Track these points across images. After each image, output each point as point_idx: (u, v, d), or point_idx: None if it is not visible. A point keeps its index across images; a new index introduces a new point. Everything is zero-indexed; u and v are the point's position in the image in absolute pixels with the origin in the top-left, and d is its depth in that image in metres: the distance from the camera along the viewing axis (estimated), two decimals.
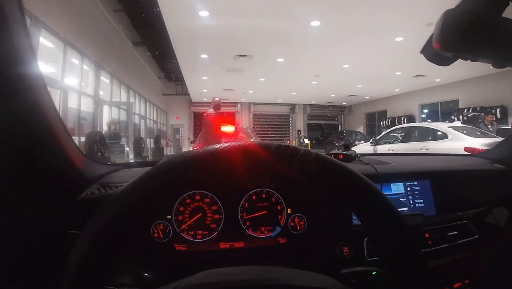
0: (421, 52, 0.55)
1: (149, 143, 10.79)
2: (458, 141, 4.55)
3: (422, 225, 0.75)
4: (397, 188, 0.86)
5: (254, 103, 16.60)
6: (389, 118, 13.67)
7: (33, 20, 4.25)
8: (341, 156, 0.96)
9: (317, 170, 0.32)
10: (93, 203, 0.69)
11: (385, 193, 0.50)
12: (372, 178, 0.68)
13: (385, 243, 0.33)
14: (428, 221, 0.78)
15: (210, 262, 0.71)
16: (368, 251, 0.73)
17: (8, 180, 0.56)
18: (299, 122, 17.33)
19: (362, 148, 6.77)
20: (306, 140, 14.89)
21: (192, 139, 11.02)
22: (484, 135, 4.86)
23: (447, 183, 0.91)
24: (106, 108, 8.08)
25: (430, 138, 5.28)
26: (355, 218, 0.79)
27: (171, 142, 14.56)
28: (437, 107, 11.92)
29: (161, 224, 0.71)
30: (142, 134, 10.77)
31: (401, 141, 5.96)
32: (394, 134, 6.32)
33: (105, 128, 7.52)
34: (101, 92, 7.64)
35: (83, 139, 5.41)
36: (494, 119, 6.20)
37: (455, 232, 0.84)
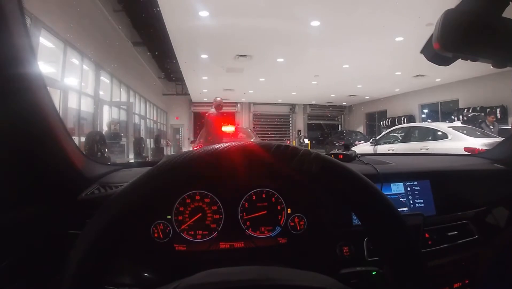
0: (421, 52, 0.55)
1: (149, 143, 10.79)
2: (458, 141, 4.55)
3: (422, 225, 0.75)
4: (397, 188, 0.86)
5: (254, 103, 16.61)
6: (389, 118, 13.67)
7: (33, 20, 4.24)
8: (341, 156, 0.96)
9: (317, 170, 0.32)
10: (93, 203, 0.69)
11: (385, 193, 0.51)
12: (372, 178, 0.68)
13: (385, 243, 0.33)
14: (428, 221, 0.78)
15: (210, 262, 0.71)
16: (368, 251, 0.73)
17: (8, 180, 0.56)
18: (299, 122, 17.33)
19: (362, 148, 6.76)
20: (306, 140, 14.89)
21: (192, 140, 11.03)
22: (484, 135, 4.86)
23: (447, 183, 0.91)
24: (106, 108, 8.08)
25: (430, 138, 5.27)
26: (355, 218, 0.79)
27: (171, 143, 14.56)
28: (437, 107, 11.92)
29: (161, 224, 0.71)
30: (142, 134, 10.77)
31: (401, 142, 5.96)
32: (394, 134, 6.32)
33: (105, 128, 7.52)
34: (101, 92, 7.64)
35: (83, 139, 5.41)
36: (496, 119, 6.19)
37: (455, 232, 0.84)
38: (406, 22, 5.21)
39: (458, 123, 6.03)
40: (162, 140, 12.16)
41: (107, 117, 8.09)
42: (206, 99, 14.63)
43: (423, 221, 0.75)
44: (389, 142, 6.09)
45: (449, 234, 0.83)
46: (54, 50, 5.34)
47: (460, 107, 10.11)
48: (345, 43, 6.45)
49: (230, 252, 0.73)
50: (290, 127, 17.43)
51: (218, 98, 5.01)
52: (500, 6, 0.47)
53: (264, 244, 0.75)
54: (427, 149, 4.77)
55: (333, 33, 5.94)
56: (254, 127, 15.03)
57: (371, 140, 6.64)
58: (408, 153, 1.83)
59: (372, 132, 14.60)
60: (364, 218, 0.34)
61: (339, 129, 17.75)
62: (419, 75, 9.40)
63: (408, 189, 0.86)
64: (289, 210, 0.76)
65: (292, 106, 16.94)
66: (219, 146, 0.33)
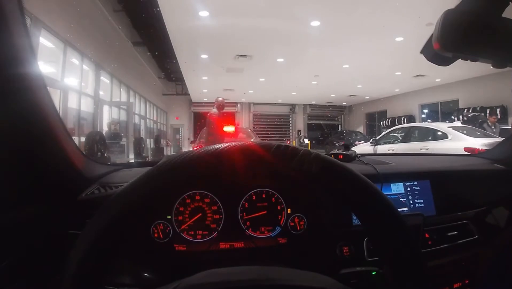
0: (421, 52, 0.55)
1: (149, 143, 10.79)
2: (458, 142, 4.55)
3: (422, 225, 0.75)
4: (397, 188, 0.85)
5: (254, 104, 16.61)
6: (389, 118, 13.67)
7: (33, 20, 4.25)
8: (341, 156, 0.96)
9: (317, 170, 0.32)
10: (93, 203, 0.69)
11: (385, 193, 0.50)
12: (372, 178, 0.68)
13: (385, 243, 0.33)
14: (428, 221, 0.78)
15: (210, 262, 0.71)
16: (368, 251, 0.73)
17: (8, 180, 0.56)
18: (299, 123, 17.34)
19: (362, 148, 6.77)
20: (306, 141, 14.89)
21: (192, 140, 11.03)
22: (484, 135, 4.86)
23: (447, 183, 0.91)
24: (106, 108, 8.08)
25: (430, 138, 5.28)
26: (355, 218, 0.79)
27: (171, 143, 14.57)
28: (437, 107, 11.92)
29: (161, 224, 0.71)
30: (142, 134, 10.78)
31: (401, 142, 5.96)
32: (394, 134, 6.32)
33: (105, 128, 7.53)
34: (101, 92, 7.64)
35: (83, 139, 5.42)
36: (497, 120, 6.18)
37: (455, 232, 0.84)
38: (406, 22, 5.22)
39: (458, 124, 6.03)
40: (162, 140, 12.17)
41: (107, 117, 8.10)
42: (206, 99, 14.64)
43: (423, 221, 0.75)
44: (389, 143, 6.09)
45: (449, 234, 0.83)
46: (54, 50, 5.34)
47: (460, 107, 10.11)
48: (345, 43, 6.45)
49: (230, 252, 0.73)
50: (290, 128, 17.43)
51: (220, 99, 5.01)
52: (500, 6, 0.47)
53: (264, 244, 0.75)
54: (427, 149, 4.77)
55: (333, 33, 5.94)
56: (254, 128, 15.03)
57: (371, 141, 6.64)
58: (408, 153, 1.83)
59: (372, 132, 14.60)
60: (364, 218, 0.34)
61: (339, 129, 17.75)
62: (419, 75, 9.40)
63: (408, 189, 0.86)
64: (289, 210, 0.76)
65: (292, 106, 16.95)
66: (219, 146, 0.33)
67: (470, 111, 8.94)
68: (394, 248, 0.33)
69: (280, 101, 16.14)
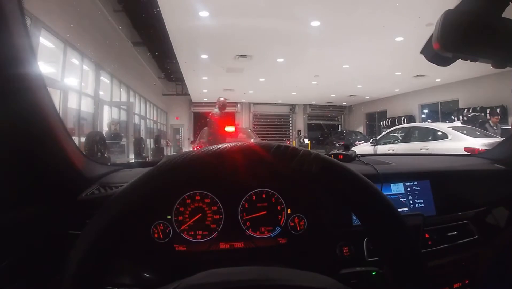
0: (421, 52, 0.55)
1: (149, 143, 10.79)
2: (458, 142, 4.55)
3: (422, 225, 0.75)
4: (397, 188, 0.85)
5: (254, 104, 16.61)
6: (389, 118, 13.67)
7: (33, 20, 4.25)
8: (341, 156, 0.96)
9: (317, 170, 0.32)
10: (93, 203, 0.69)
11: (385, 193, 0.50)
12: (372, 178, 0.68)
13: (385, 243, 0.33)
14: (428, 221, 0.78)
15: (210, 262, 0.71)
16: (368, 251, 0.73)
17: (8, 180, 0.56)
18: (299, 123, 17.34)
19: (362, 148, 6.76)
20: (306, 141, 14.88)
21: (192, 140, 11.03)
22: (484, 135, 4.85)
23: (447, 183, 0.91)
24: (106, 108, 8.09)
25: (430, 138, 5.27)
26: (355, 218, 0.79)
27: (171, 143, 14.57)
28: (437, 107, 11.92)
29: (161, 224, 0.71)
30: (142, 134, 10.78)
31: (401, 142, 5.96)
32: (394, 134, 6.31)
33: (105, 128, 7.53)
34: (101, 93, 7.64)
35: (83, 139, 5.42)
36: (499, 120, 6.17)
37: (455, 232, 0.84)
38: (406, 22, 5.22)
39: (458, 124, 6.02)
40: (162, 140, 12.18)
41: (107, 117, 8.10)
42: (206, 99, 14.65)
43: (423, 221, 0.75)
44: (389, 143, 6.09)
45: (449, 234, 0.83)
46: (54, 50, 5.35)
47: (460, 107, 10.11)
48: (345, 43, 6.45)
49: (230, 252, 0.73)
50: (290, 128, 17.43)
51: (222, 99, 4.99)
52: (500, 6, 0.47)
53: (264, 244, 0.75)
54: (427, 149, 4.77)
55: (333, 33, 5.94)
56: (254, 128, 15.03)
57: (371, 141, 6.64)
58: (408, 153, 1.83)
59: (372, 132, 14.60)
60: (364, 218, 0.34)
61: (339, 129, 17.76)
62: (419, 75, 9.40)
63: (408, 189, 0.86)
64: (289, 210, 0.76)
65: (292, 107, 16.95)
66: (219, 146, 0.33)
67: (470, 111, 8.94)
68: (394, 248, 0.33)
69: (280, 101, 16.14)
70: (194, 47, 6.96)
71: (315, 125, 17.88)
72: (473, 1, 0.47)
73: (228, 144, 0.33)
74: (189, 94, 14.07)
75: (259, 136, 9.84)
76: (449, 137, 4.81)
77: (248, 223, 0.75)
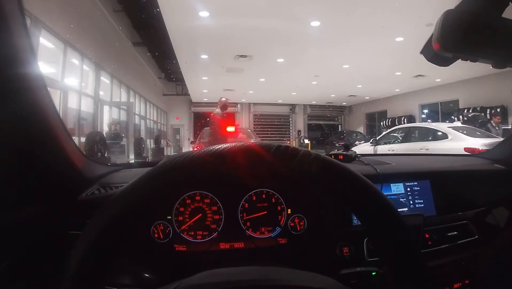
0: (421, 52, 0.54)
1: (149, 143, 10.80)
2: (458, 142, 4.55)
3: (422, 225, 0.75)
4: (397, 188, 0.85)
5: (254, 104, 16.61)
6: (389, 118, 13.67)
7: (33, 20, 4.25)
8: (341, 156, 0.96)
9: (317, 170, 0.32)
10: (93, 203, 0.69)
11: (385, 193, 0.51)
12: (372, 178, 0.68)
13: (385, 243, 0.33)
14: (428, 221, 0.78)
15: (210, 262, 0.71)
16: (368, 251, 0.73)
17: (8, 180, 0.56)
18: (299, 123, 17.34)
19: (362, 148, 6.77)
20: (306, 141, 14.88)
21: (192, 140, 11.04)
22: (487, 136, 4.85)
23: (447, 183, 0.91)
24: (106, 108, 8.09)
25: (430, 138, 5.27)
26: (355, 218, 0.79)
27: (171, 143, 14.58)
28: (437, 107, 11.92)
29: (161, 225, 0.71)
30: (143, 134, 10.78)
31: (401, 142, 5.96)
32: (394, 134, 6.31)
33: (105, 128, 7.54)
34: (101, 93, 7.65)
35: (83, 139, 5.42)
36: (501, 120, 6.16)
37: (455, 232, 0.84)
38: (406, 22, 5.22)
39: (458, 124, 6.02)
40: (162, 140, 12.19)
41: (107, 117, 8.11)
42: (206, 99, 14.66)
43: (423, 221, 0.75)
44: (389, 143, 6.09)
45: (449, 234, 0.83)
46: (54, 51, 5.35)
47: (460, 107, 10.11)
48: (345, 43, 6.45)
49: (230, 253, 0.73)
50: (290, 128, 17.43)
51: (224, 99, 4.98)
52: (500, 7, 0.47)
53: (264, 245, 0.75)
54: (427, 149, 4.77)
55: (333, 33, 5.94)
56: (254, 128, 15.03)
57: (371, 141, 6.64)
58: (408, 153, 1.83)
59: (372, 132, 14.60)
60: (364, 218, 0.34)
61: (339, 129, 17.76)
62: (419, 75, 9.40)
63: (408, 189, 0.86)
64: (289, 210, 0.76)
65: (292, 107, 16.95)
66: (219, 146, 0.33)
67: (470, 111, 8.94)
68: (394, 248, 0.33)
69: (280, 101, 16.15)
70: (194, 47, 6.96)
71: (315, 126, 17.88)
72: (473, 1, 0.47)
73: (228, 144, 0.33)
74: (189, 95, 14.08)
75: (259, 137, 9.84)
76: (449, 137, 4.81)
77: (248, 223, 0.75)
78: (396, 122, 12.32)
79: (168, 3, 4.82)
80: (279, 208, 0.76)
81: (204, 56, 7.76)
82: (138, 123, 10.95)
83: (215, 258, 0.72)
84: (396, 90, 12.41)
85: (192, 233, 0.72)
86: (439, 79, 10.23)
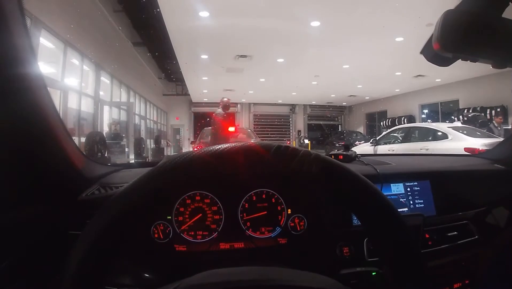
0: (421, 52, 0.55)
1: (150, 143, 10.80)
2: (458, 142, 4.55)
3: (422, 225, 0.75)
4: (397, 188, 0.85)
5: (254, 104, 16.62)
6: (389, 118, 13.67)
7: (33, 20, 4.25)
8: (341, 157, 0.96)
9: (317, 170, 0.32)
10: (93, 204, 0.69)
11: (385, 194, 0.51)
12: (372, 178, 0.68)
13: (385, 243, 0.33)
14: (428, 221, 0.78)
15: (210, 262, 0.71)
16: (368, 251, 0.73)
17: (8, 180, 0.56)
18: (299, 123, 17.34)
19: (362, 148, 6.77)
20: (306, 141, 14.88)
21: (192, 140, 11.04)
22: (488, 136, 4.85)
23: (447, 183, 0.91)
24: (106, 108, 8.09)
25: (430, 138, 5.28)
26: (355, 218, 0.79)
27: (171, 143, 14.58)
28: (437, 107, 11.92)
29: (161, 225, 0.71)
30: (143, 134, 10.78)
31: (401, 142, 5.96)
32: (394, 134, 6.32)
33: (105, 128, 7.54)
34: (101, 93, 7.65)
35: (83, 139, 5.42)
36: (503, 120, 6.15)
37: (455, 232, 0.84)
38: (406, 22, 5.22)
39: (458, 124, 6.03)
40: (162, 140, 12.19)
41: (108, 117, 8.11)
42: (206, 99, 14.66)
43: (423, 221, 0.75)
44: (389, 143, 6.10)
45: (449, 234, 0.83)
46: (54, 51, 5.35)
47: (460, 107, 10.12)
48: (345, 43, 6.46)
49: (230, 253, 0.73)
50: (290, 128, 17.44)
51: (225, 99, 4.97)
52: (500, 7, 0.47)
53: (264, 245, 0.75)
54: (427, 149, 4.78)
55: (333, 33, 5.94)
56: (254, 128, 15.03)
57: (371, 141, 6.64)
58: (408, 153, 1.83)
59: (372, 132, 14.60)
60: (364, 218, 0.34)
61: (339, 129, 17.76)
62: (419, 75, 9.40)
63: (408, 189, 0.86)
64: (289, 210, 0.76)
65: (292, 107, 16.95)
66: (219, 146, 0.33)
67: (470, 111, 8.95)
68: (394, 248, 0.33)
69: (280, 101, 16.15)
70: (194, 48, 6.97)
71: (315, 126, 17.89)
72: (473, 1, 0.47)
73: (228, 144, 0.33)
74: (189, 95, 14.08)
75: (259, 137, 9.85)
76: (449, 137, 4.81)
77: (248, 223, 0.75)
78: (396, 123, 12.32)
79: (168, 3, 4.83)
80: (279, 208, 0.76)
81: (204, 56, 7.76)
82: (138, 124, 10.95)
83: (215, 258, 0.72)
84: (396, 90, 12.41)
85: (192, 233, 0.72)
86: (439, 79, 10.24)
